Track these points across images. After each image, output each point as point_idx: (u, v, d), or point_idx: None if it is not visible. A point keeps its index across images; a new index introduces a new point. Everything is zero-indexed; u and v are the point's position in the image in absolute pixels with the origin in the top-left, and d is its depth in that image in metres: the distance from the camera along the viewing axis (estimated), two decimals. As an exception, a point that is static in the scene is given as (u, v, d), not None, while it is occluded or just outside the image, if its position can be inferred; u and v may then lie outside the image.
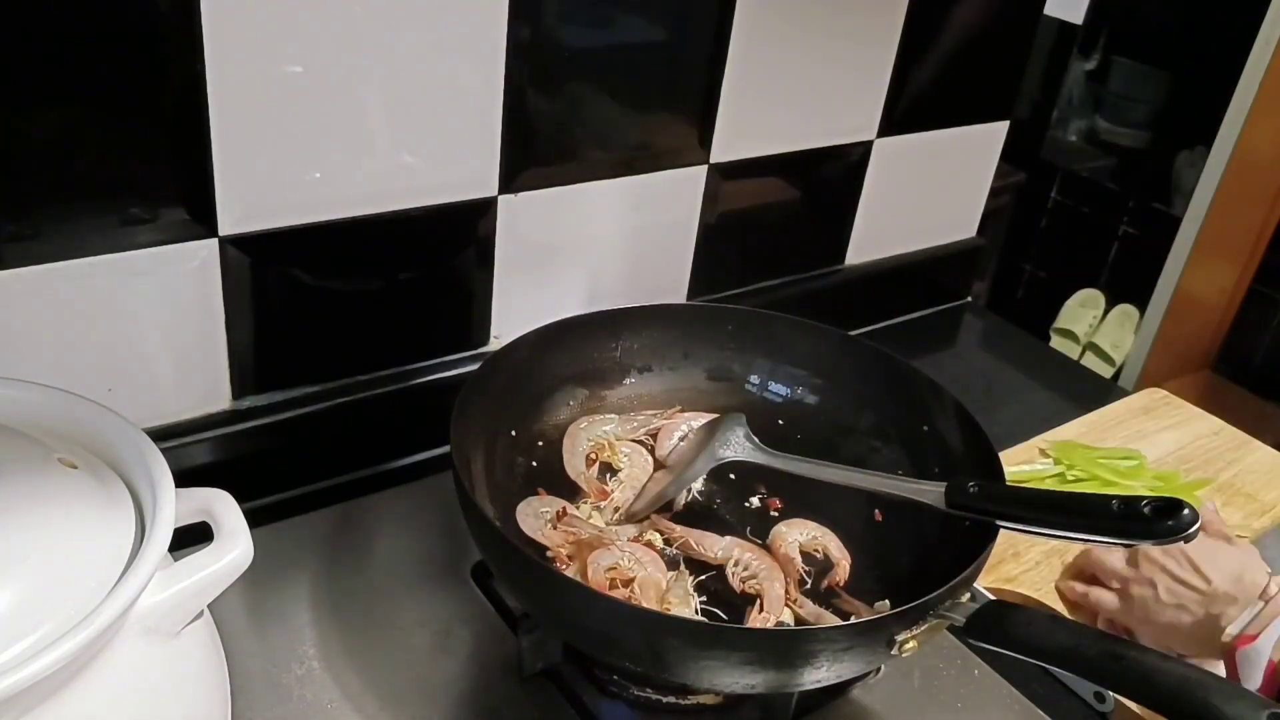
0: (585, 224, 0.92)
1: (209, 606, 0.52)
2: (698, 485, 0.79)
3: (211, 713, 0.53)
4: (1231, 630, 0.71)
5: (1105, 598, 0.79)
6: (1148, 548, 0.78)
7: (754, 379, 0.86)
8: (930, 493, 0.67)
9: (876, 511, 0.77)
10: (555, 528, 0.72)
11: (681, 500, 0.78)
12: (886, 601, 0.70)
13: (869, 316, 1.19)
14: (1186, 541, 0.57)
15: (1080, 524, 0.60)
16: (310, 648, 0.70)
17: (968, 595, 0.61)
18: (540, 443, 0.81)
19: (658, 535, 0.74)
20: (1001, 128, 1.20)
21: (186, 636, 0.51)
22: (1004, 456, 0.74)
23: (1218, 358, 2.05)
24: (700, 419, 0.83)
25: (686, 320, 0.87)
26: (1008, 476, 0.72)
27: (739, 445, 0.77)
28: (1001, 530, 0.64)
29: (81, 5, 0.62)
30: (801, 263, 1.12)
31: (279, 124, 0.72)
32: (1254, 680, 0.67)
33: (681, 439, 0.82)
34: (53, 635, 0.43)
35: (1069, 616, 0.81)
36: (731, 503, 0.79)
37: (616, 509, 0.76)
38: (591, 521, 0.74)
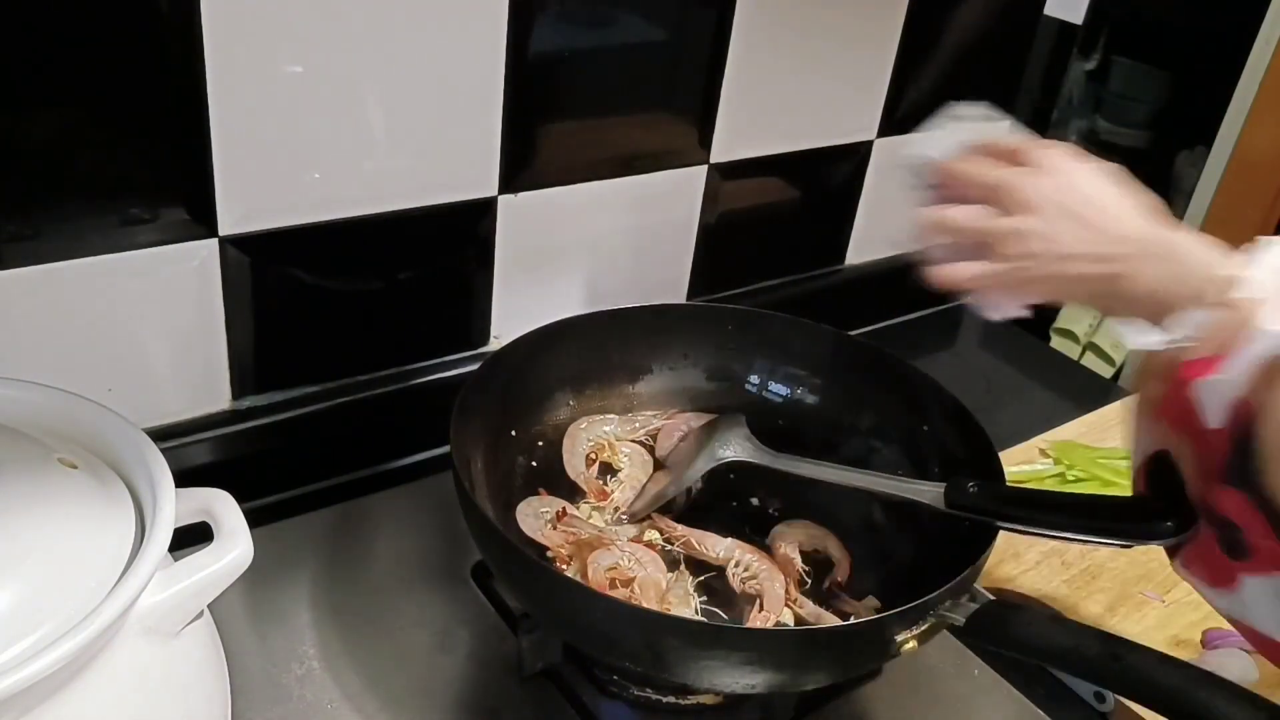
0: (585, 224, 0.92)
1: (209, 606, 0.52)
2: (698, 485, 0.79)
3: (211, 713, 0.53)
4: (1162, 338, 0.53)
5: (963, 213, 0.62)
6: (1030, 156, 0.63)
7: (754, 379, 0.86)
8: (930, 493, 0.67)
9: (877, 511, 0.77)
10: (555, 528, 0.73)
11: (682, 500, 0.78)
12: (873, 598, 0.70)
13: (869, 316, 1.19)
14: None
15: (1080, 524, 0.60)
16: (310, 648, 0.70)
17: (968, 595, 0.61)
18: (540, 443, 0.81)
19: (658, 535, 0.74)
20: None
21: (186, 636, 0.51)
22: (1004, 456, 0.74)
23: (1218, 358, 2.04)
24: (700, 419, 0.83)
25: (686, 320, 0.87)
26: (1008, 476, 0.72)
27: (738, 445, 0.77)
28: (1001, 530, 0.64)
29: (81, 5, 0.62)
30: (801, 263, 1.12)
31: (279, 124, 0.72)
32: (1214, 418, 0.48)
33: (681, 439, 0.82)
34: (53, 635, 0.43)
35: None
36: (732, 503, 0.79)
37: (616, 509, 0.76)
38: (591, 521, 0.74)
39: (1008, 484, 0.73)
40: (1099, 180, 0.61)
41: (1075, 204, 0.59)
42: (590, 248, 0.93)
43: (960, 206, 0.63)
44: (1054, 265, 0.59)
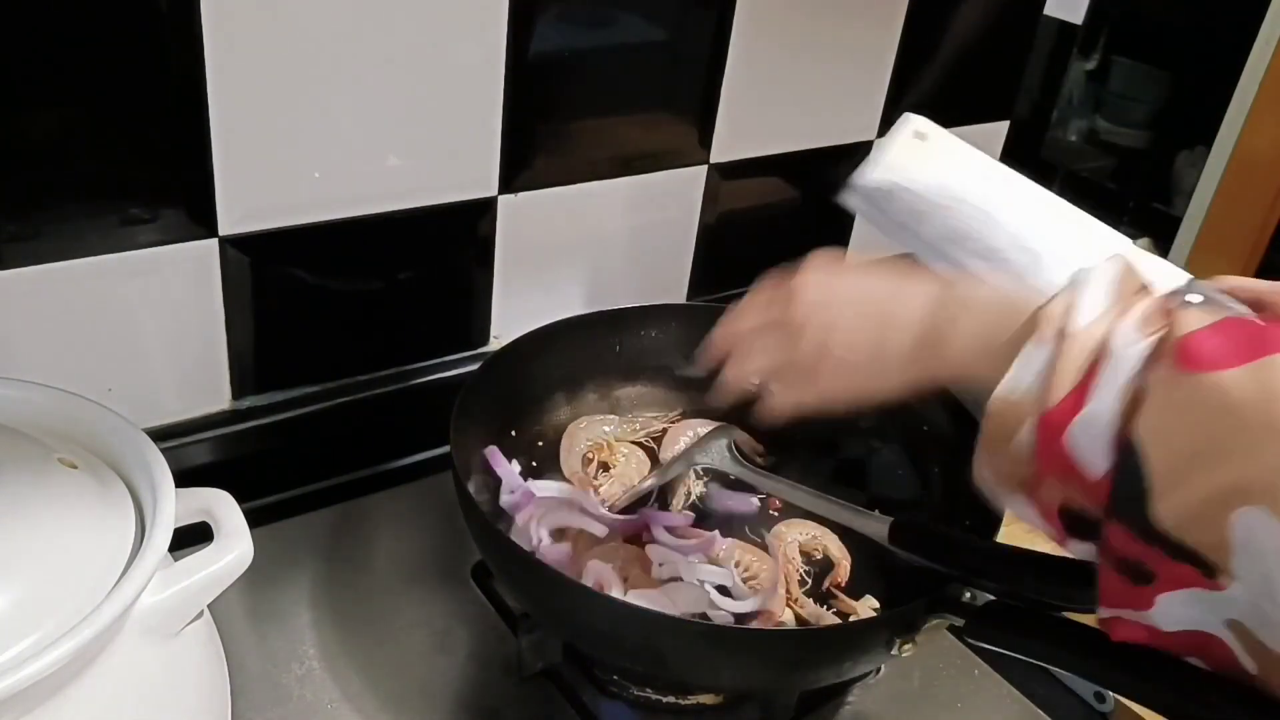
0: (585, 224, 0.92)
1: (209, 606, 0.52)
2: (699, 487, 0.79)
3: (211, 713, 0.53)
4: (1010, 388, 0.45)
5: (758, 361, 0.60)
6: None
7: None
8: (876, 528, 0.65)
9: (877, 511, 0.77)
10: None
11: (681, 501, 0.78)
12: (871, 598, 0.70)
13: (869, 316, 1.19)
14: None
15: (1016, 579, 0.58)
16: (310, 648, 0.70)
17: (968, 595, 0.61)
18: (540, 443, 0.81)
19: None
20: (1001, 128, 1.20)
21: (186, 636, 0.51)
22: (1004, 456, 0.73)
23: (1218, 358, 2.04)
24: (706, 426, 0.83)
25: (686, 320, 0.87)
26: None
27: (718, 454, 0.78)
28: (1003, 528, 0.64)
29: (81, 5, 0.62)
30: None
31: (279, 124, 0.72)
32: (1097, 464, 0.43)
33: (687, 444, 0.82)
34: (53, 635, 0.43)
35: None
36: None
37: (603, 501, 0.76)
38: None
39: (950, 530, 0.70)
40: (862, 268, 0.58)
41: (848, 294, 0.56)
42: (590, 248, 0.93)
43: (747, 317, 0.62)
44: (853, 350, 0.54)
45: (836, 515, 0.71)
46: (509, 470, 0.73)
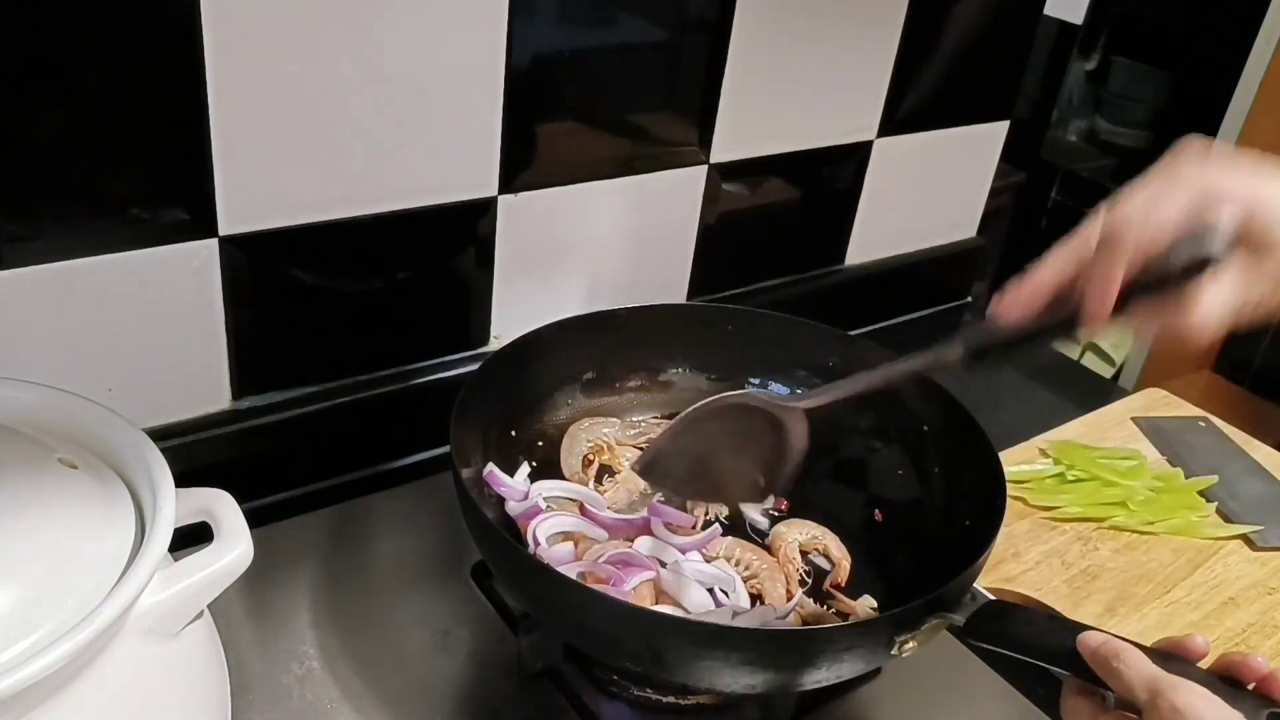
0: (585, 224, 0.92)
1: (209, 606, 0.52)
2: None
3: (211, 713, 0.53)
4: None
5: None
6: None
7: (754, 379, 0.86)
8: (948, 357, 0.64)
9: (876, 511, 0.77)
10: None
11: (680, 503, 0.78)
12: (869, 598, 0.70)
13: (869, 316, 1.19)
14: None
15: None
16: (310, 648, 0.70)
17: (968, 595, 0.61)
18: (540, 443, 0.81)
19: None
20: (1001, 128, 1.20)
21: (186, 636, 0.51)
22: (1004, 456, 0.74)
23: (1218, 358, 2.05)
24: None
25: (686, 320, 0.87)
26: (1008, 476, 0.72)
27: None
28: (1001, 530, 0.64)
29: (82, 5, 0.62)
30: (801, 263, 1.12)
31: (279, 124, 0.72)
32: None
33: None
34: (53, 635, 0.43)
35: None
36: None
37: (608, 506, 0.76)
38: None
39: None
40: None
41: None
42: (590, 248, 0.93)
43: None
44: None
45: (908, 369, 0.67)
46: (510, 486, 0.73)
